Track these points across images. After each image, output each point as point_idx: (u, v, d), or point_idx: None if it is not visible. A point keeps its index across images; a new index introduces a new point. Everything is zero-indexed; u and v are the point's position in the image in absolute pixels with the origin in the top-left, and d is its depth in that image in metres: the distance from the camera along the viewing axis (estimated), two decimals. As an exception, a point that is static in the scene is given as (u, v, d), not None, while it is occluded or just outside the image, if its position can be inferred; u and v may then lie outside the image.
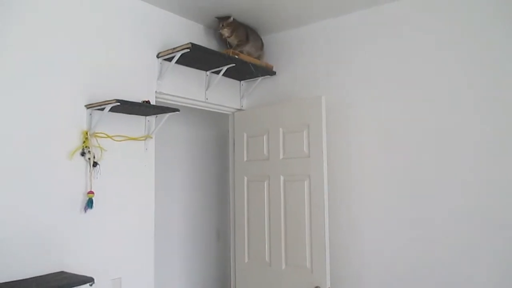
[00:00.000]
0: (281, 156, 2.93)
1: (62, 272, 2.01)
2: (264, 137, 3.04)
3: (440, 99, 2.47)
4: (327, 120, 2.74)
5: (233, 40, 2.92)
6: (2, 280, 1.80)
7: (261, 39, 3.16)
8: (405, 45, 2.62)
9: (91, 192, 2.16)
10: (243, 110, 3.32)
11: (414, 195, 2.54)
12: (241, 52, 2.93)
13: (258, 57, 3.10)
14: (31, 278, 1.89)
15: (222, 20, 2.83)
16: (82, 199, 2.15)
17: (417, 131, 2.55)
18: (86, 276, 1.96)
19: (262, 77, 3.19)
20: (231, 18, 2.83)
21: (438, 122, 2.47)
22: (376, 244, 2.68)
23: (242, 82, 3.31)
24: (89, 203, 2.15)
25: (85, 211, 2.15)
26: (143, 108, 2.34)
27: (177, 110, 2.39)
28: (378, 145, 2.70)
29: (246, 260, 3.11)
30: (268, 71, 3.12)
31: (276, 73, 3.17)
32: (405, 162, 2.59)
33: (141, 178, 2.47)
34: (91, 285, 1.92)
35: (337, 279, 2.75)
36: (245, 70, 3.00)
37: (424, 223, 2.49)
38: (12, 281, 1.82)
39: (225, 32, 2.85)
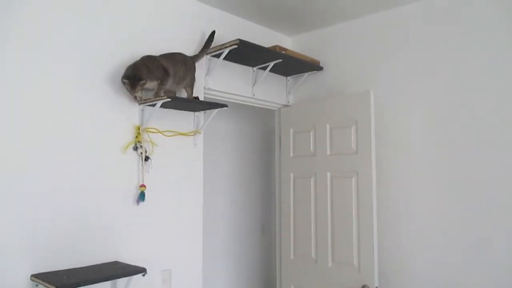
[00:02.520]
0: (328, 152, 2.90)
1: (116, 262, 2.09)
2: (311, 133, 3.02)
3: (498, 93, 2.36)
4: (376, 116, 2.69)
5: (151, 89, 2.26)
6: (60, 268, 1.90)
7: (190, 64, 2.43)
8: (458, 37, 2.52)
9: (143, 186, 2.23)
10: (290, 106, 3.31)
11: (465, 194, 2.44)
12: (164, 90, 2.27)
13: (188, 89, 2.43)
14: (87, 266, 1.98)
15: (133, 85, 2.10)
16: (134, 192, 2.22)
17: (469, 127, 2.44)
18: (138, 267, 2.02)
19: (309, 73, 3.17)
20: (144, 81, 2.12)
21: (495, 117, 2.36)
22: (425, 244, 2.60)
23: (288, 78, 3.30)
24: (141, 196, 2.21)
25: (138, 204, 2.22)
26: (192, 104, 2.39)
27: (225, 106, 2.42)
28: (428, 141, 2.61)
29: (292, 257, 3.11)
30: (315, 67, 3.09)
31: (323, 68, 3.13)
32: (456, 159, 2.49)
33: (190, 172, 2.52)
34: (143, 275, 1.98)
35: (384, 277, 2.69)
36: (292, 66, 2.99)
37: (475, 222, 2.39)
38: (69, 269, 1.91)
39: (139, 94, 2.20)
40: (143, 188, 2.23)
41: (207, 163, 2.69)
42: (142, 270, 1.99)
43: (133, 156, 2.23)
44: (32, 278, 1.79)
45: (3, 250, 1.75)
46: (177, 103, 2.28)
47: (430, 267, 2.57)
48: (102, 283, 1.98)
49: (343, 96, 2.90)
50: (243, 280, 4.54)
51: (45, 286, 1.70)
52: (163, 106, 2.25)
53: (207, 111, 2.57)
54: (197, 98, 2.45)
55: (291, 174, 3.15)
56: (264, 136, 4.85)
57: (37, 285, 1.80)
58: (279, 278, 3.24)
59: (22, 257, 1.80)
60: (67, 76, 2.01)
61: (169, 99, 2.13)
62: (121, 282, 2.06)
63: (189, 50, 2.53)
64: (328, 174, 2.88)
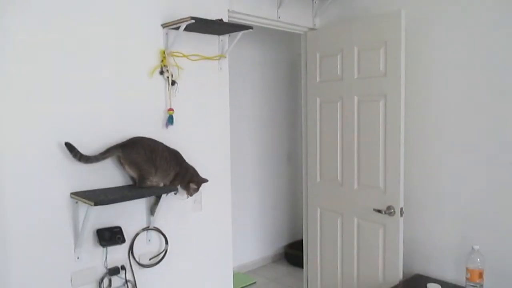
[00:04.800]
0: (355, 76, 2.84)
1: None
2: (338, 56, 2.95)
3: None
4: (406, 37, 2.59)
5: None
6: (96, 187, 2.00)
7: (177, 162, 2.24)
8: None
9: (171, 110, 2.26)
10: (316, 29, 3.21)
11: (497, 116, 2.38)
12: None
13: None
14: (122, 186, 2.08)
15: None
16: (163, 116, 2.26)
17: (508, 53, 2.33)
18: (170, 186, 2.11)
19: (337, -7, 3.03)
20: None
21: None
22: (452, 167, 2.59)
23: (315, -1, 3.17)
24: (170, 120, 2.25)
25: (167, 127, 2.27)
26: (216, 26, 2.34)
27: (250, 27, 2.36)
28: (461, 64, 2.52)
29: (318, 180, 3.17)
30: (343, -14, 2.94)
31: (352, -13, 2.99)
32: (490, 87, 2.40)
33: (216, 97, 2.53)
34: (175, 193, 2.07)
35: (409, 199, 2.74)
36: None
37: (504, 147, 2.35)
38: (106, 188, 2.01)
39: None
40: (171, 112, 2.26)
41: (232, 91, 2.69)
42: (174, 189, 2.08)
43: (159, 80, 2.24)
44: (72, 195, 1.90)
45: (44, 171, 1.84)
46: (201, 25, 2.24)
47: (455, 190, 2.58)
48: (136, 200, 2.10)
49: (372, 17, 2.78)
50: (268, 207, 4.70)
51: (84, 202, 1.81)
52: (187, 29, 2.21)
53: (231, 34, 2.52)
54: (221, 20, 2.39)
55: (318, 99, 3.13)
56: (290, 62, 4.77)
57: (76, 202, 1.91)
58: (305, 201, 3.33)
59: (62, 177, 1.89)
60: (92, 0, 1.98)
61: (193, 21, 2.09)
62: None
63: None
64: (355, 98, 2.84)
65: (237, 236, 3.67)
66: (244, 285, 4.00)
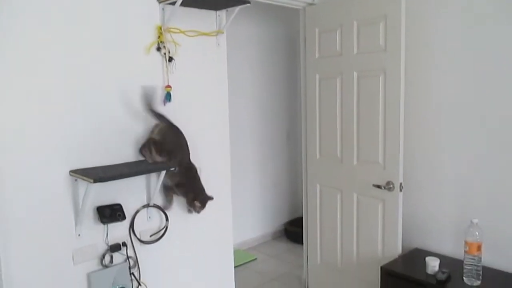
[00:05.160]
0: (355, 51, 2.81)
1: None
2: (337, 31, 2.91)
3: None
4: (406, 10, 2.55)
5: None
6: (95, 165, 2.00)
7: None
8: None
9: (169, 86, 2.23)
10: (315, 4, 3.16)
11: (496, 89, 2.37)
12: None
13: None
14: (121, 163, 2.07)
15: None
16: (160, 93, 2.24)
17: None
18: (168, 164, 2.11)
19: (336, -34, 2.97)
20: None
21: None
22: (451, 143, 2.59)
23: (314, -27, 3.11)
24: (168, 97, 2.23)
25: (164, 105, 2.25)
26: (213, 0, 2.29)
27: (248, 2, 2.31)
28: (462, 38, 2.48)
29: (318, 157, 3.17)
30: (342, -42, 2.88)
31: (351, -40, 2.93)
32: (490, 55, 2.38)
33: (214, 73, 2.50)
34: (174, 170, 2.07)
35: (409, 176, 2.74)
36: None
37: (503, 120, 2.34)
38: (105, 166, 2.01)
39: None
40: (169, 88, 2.24)
41: (230, 68, 2.66)
42: (172, 166, 2.08)
43: (156, 56, 2.21)
44: (71, 173, 1.90)
45: (44, 149, 1.83)
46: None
47: (454, 164, 2.58)
48: (136, 177, 2.10)
49: (372, -10, 2.73)
50: (269, 185, 4.72)
51: (83, 179, 1.81)
52: (184, 4, 2.17)
53: (229, 9, 2.48)
54: (218, -5, 2.35)
55: (317, 76, 3.10)
56: (288, 38, 4.72)
57: (76, 180, 1.91)
58: (305, 178, 3.34)
59: (61, 156, 1.88)
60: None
61: (189, -5, 2.05)
62: (154, 176, 2.18)
63: None
64: (355, 73, 2.82)
65: (237, 213, 3.69)
66: (245, 261, 4.05)
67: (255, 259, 4.15)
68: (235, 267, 2.74)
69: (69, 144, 1.91)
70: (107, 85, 2.03)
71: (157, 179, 2.14)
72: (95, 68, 1.99)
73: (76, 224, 1.95)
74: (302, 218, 3.46)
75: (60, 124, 1.87)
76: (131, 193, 2.14)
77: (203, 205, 2.26)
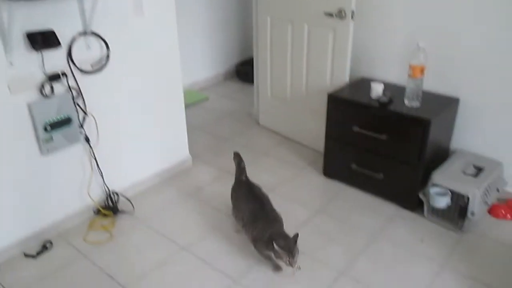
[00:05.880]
0: None
1: None
2: None
3: None
4: None
5: None
6: None
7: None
8: None
9: None
10: None
11: None
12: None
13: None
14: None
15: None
16: None
17: None
18: None
19: None
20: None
21: None
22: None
23: None
24: None
25: None
26: None
27: None
28: None
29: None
30: None
31: None
32: None
33: None
34: None
35: (360, 3, 2.66)
36: None
37: None
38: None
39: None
40: None
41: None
42: None
43: None
44: None
45: None
46: None
47: None
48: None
49: None
50: (219, 24, 4.50)
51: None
52: None
53: None
54: None
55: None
56: None
57: (-5, -1, 1.69)
58: (255, 11, 3.17)
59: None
60: None
61: None
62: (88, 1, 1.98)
63: None
64: None
65: (187, 53, 3.57)
66: (196, 99, 4.07)
67: (207, 98, 4.17)
68: (187, 105, 2.73)
69: None
70: None
71: (92, 3, 1.95)
72: None
73: (5, 52, 1.79)
74: (253, 58, 3.39)
75: None
76: (63, 18, 1.96)
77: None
